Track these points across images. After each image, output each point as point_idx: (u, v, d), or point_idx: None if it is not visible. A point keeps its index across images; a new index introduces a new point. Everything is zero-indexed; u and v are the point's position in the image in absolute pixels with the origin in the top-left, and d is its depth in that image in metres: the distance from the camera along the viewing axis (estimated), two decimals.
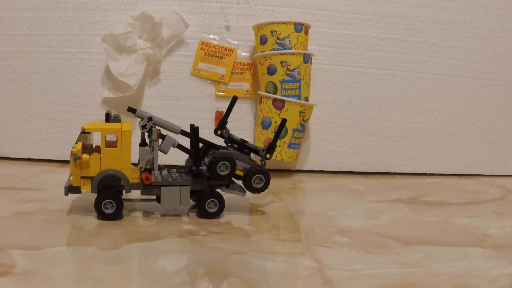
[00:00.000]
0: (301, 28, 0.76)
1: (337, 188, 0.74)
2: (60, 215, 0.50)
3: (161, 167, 0.54)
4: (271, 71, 0.76)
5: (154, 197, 0.53)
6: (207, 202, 0.52)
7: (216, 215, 0.53)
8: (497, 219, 0.57)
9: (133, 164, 0.51)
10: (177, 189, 0.51)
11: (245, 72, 0.84)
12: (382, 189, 0.73)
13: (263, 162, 0.58)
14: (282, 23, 0.76)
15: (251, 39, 0.83)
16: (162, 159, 0.53)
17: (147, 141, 0.52)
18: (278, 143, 0.74)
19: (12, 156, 0.82)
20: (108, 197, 0.49)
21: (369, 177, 0.83)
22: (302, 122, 0.77)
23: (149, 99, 0.83)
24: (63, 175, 0.69)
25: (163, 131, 0.52)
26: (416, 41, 0.88)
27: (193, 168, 0.54)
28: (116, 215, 0.49)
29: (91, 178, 0.48)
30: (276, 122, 0.75)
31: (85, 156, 0.48)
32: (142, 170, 0.51)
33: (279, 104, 0.75)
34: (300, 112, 0.76)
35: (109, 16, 0.82)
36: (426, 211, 0.59)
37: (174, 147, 0.52)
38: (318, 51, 0.84)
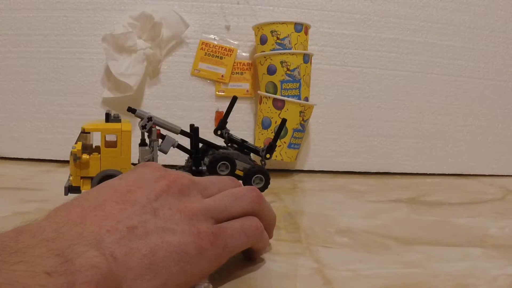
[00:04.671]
0: (301, 28, 0.76)
1: (337, 188, 0.74)
2: None
3: None
4: (271, 71, 0.76)
5: None
6: None
7: None
8: (497, 219, 0.57)
9: (133, 164, 0.51)
10: None
11: (245, 72, 0.84)
12: (382, 189, 0.73)
13: (263, 162, 0.58)
14: (282, 23, 0.76)
15: (251, 39, 0.83)
16: (162, 159, 0.53)
17: (147, 141, 0.52)
18: (278, 143, 0.74)
19: (12, 156, 0.82)
20: None
21: (369, 177, 0.83)
22: (302, 122, 0.77)
23: (149, 99, 0.83)
24: (63, 175, 0.69)
25: (163, 131, 0.52)
26: (416, 41, 0.88)
27: (193, 168, 0.54)
28: None
29: (91, 178, 0.48)
30: (276, 122, 0.75)
31: (85, 156, 0.48)
32: None
33: (279, 104, 0.75)
34: (300, 112, 0.76)
35: (109, 16, 0.82)
36: (426, 211, 0.59)
37: (174, 147, 0.52)
38: (318, 51, 0.84)
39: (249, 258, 0.37)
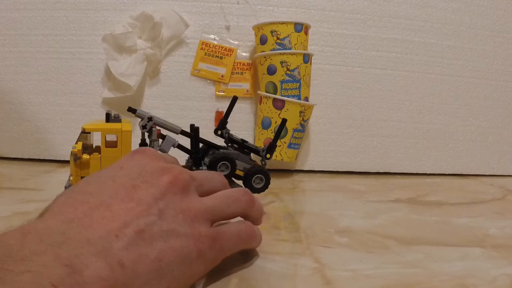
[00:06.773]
0: (301, 28, 0.76)
1: (337, 188, 0.74)
2: None
3: None
4: (271, 71, 0.76)
5: None
6: None
7: None
8: (497, 219, 0.57)
9: None
10: None
11: (245, 72, 0.84)
12: (382, 189, 0.73)
13: (263, 162, 0.58)
14: (282, 23, 0.76)
15: (251, 39, 0.83)
16: None
17: (147, 141, 0.52)
18: (278, 143, 0.74)
19: (12, 156, 0.82)
20: None
21: (369, 177, 0.83)
22: (302, 122, 0.77)
23: (149, 99, 0.83)
24: (63, 175, 0.69)
25: (163, 131, 0.52)
26: (416, 41, 0.88)
27: (193, 168, 0.54)
28: None
29: None
30: (276, 122, 0.75)
31: (85, 156, 0.48)
32: None
33: (279, 104, 0.75)
34: (300, 112, 0.76)
35: (109, 16, 0.82)
36: (426, 211, 0.59)
37: (174, 147, 0.52)
38: (318, 51, 0.84)
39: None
